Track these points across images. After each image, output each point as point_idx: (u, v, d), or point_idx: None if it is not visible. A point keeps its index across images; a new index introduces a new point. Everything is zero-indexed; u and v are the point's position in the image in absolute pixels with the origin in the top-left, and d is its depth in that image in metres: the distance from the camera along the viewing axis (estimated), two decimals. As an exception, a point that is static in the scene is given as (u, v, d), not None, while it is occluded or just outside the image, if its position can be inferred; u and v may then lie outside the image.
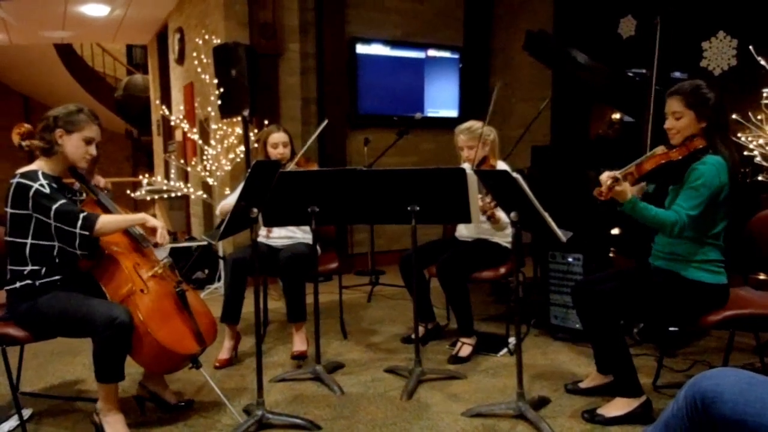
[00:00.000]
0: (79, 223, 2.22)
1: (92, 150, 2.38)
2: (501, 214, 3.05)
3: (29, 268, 2.27)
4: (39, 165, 2.33)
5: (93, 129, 2.36)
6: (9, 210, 2.24)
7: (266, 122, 4.48)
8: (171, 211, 7.16)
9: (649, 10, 5.13)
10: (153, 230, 2.45)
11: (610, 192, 2.28)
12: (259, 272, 3.27)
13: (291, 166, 3.36)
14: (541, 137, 5.71)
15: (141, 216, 2.45)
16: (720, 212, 2.33)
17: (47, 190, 2.22)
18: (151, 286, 2.35)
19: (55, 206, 2.21)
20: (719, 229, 2.35)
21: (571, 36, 5.64)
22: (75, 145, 2.33)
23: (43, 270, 2.27)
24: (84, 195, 2.50)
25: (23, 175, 2.24)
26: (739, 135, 3.50)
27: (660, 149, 2.39)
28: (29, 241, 2.26)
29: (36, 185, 2.21)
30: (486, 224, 3.15)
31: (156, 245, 2.47)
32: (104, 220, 2.28)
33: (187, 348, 2.33)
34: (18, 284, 2.27)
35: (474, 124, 3.29)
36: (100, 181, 2.61)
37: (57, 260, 2.29)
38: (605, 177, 2.30)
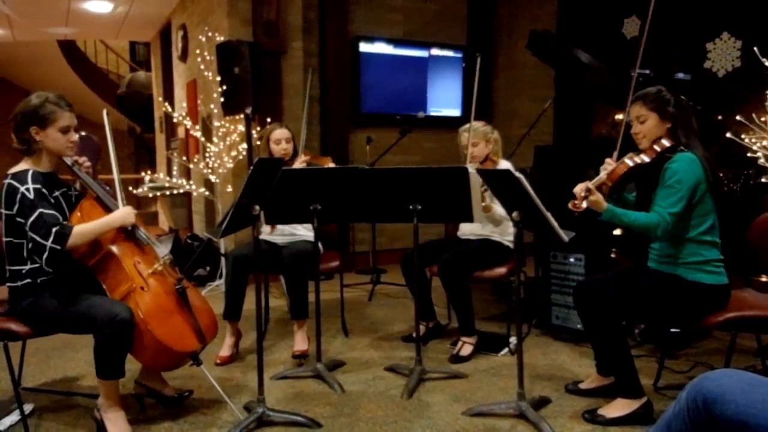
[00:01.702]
0: (51, 237, 2.14)
1: (72, 137, 2.32)
2: (495, 207, 3.07)
3: (28, 267, 2.26)
4: (29, 163, 2.30)
5: (66, 116, 2.28)
6: (3, 211, 2.22)
7: (269, 120, 4.49)
8: (173, 209, 7.17)
9: (654, 11, 5.13)
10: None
11: (585, 202, 2.29)
12: (261, 270, 3.27)
13: (300, 162, 3.37)
14: (543, 137, 5.71)
15: (114, 218, 2.31)
16: (702, 208, 2.33)
17: (31, 196, 2.17)
18: (152, 284, 2.34)
19: (34, 215, 2.15)
20: (708, 226, 2.35)
21: (574, 36, 5.63)
22: (53, 138, 2.27)
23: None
24: (79, 186, 2.48)
25: (13, 177, 2.22)
26: (743, 136, 3.50)
27: (629, 155, 2.42)
28: (26, 241, 2.24)
29: (22, 189, 2.18)
30: (486, 222, 3.17)
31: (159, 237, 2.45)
32: (77, 232, 2.18)
33: (188, 345, 2.33)
34: (19, 283, 2.27)
35: (476, 123, 3.33)
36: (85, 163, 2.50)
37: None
38: (578, 189, 2.31)
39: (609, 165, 2.42)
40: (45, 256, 2.17)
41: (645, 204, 2.41)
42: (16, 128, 2.27)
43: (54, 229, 2.15)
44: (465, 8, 6.14)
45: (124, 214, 2.35)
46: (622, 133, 2.47)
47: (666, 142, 2.37)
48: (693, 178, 2.28)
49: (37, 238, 2.16)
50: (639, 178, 2.46)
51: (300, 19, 5.23)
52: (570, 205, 2.31)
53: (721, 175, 2.73)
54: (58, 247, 2.15)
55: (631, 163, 2.37)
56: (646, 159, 2.37)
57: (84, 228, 2.23)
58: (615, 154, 2.44)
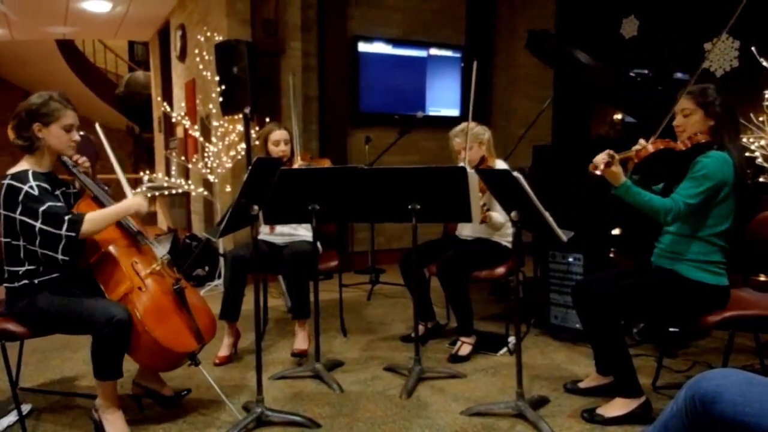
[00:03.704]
0: (65, 225, 2.15)
1: (74, 136, 2.32)
2: (494, 215, 3.07)
3: (25, 268, 2.25)
4: (28, 163, 2.29)
5: (69, 115, 2.29)
6: (2, 212, 2.21)
7: (267, 120, 4.49)
8: (172, 209, 7.17)
9: (652, 11, 5.14)
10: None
11: (605, 169, 2.28)
12: (260, 270, 3.27)
13: (298, 163, 3.37)
14: (542, 136, 5.71)
15: (128, 205, 2.32)
16: (720, 210, 2.33)
17: (36, 192, 2.17)
18: (149, 284, 2.34)
19: (42, 208, 2.15)
20: (721, 229, 2.35)
21: (573, 35, 5.64)
22: (56, 136, 2.27)
23: (41, 268, 2.26)
24: (77, 185, 2.48)
25: (13, 177, 2.21)
26: (740, 136, 3.50)
27: (664, 140, 2.40)
28: (22, 243, 2.23)
29: (26, 188, 2.17)
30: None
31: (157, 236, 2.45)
32: (90, 219, 2.20)
33: (186, 345, 2.32)
34: (16, 284, 2.26)
35: (466, 125, 3.27)
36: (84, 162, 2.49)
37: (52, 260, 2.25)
38: (601, 156, 2.31)
39: (640, 145, 2.39)
40: (62, 245, 2.16)
41: (669, 195, 2.40)
42: (19, 125, 2.26)
43: (66, 218, 2.16)
44: (464, 8, 6.14)
45: (137, 201, 2.36)
46: (666, 120, 2.42)
47: (704, 137, 2.35)
48: (720, 177, 2.27)
49: (51, 230, 2.15)
50: (669, 166, 2.43)
51: (299, 19, 5.23)
52: (590, 167, 2.31)
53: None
54: (73, 234, 2.16)
55: (662, 146, 2.35)
56: (681, 147, 2.36)
57: (96, 215, 2.24)
58: (653, 138, 2.39)
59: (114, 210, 2.31)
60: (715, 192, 2.28)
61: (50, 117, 2.25)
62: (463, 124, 3.29)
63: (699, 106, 2.37)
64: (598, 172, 2.30)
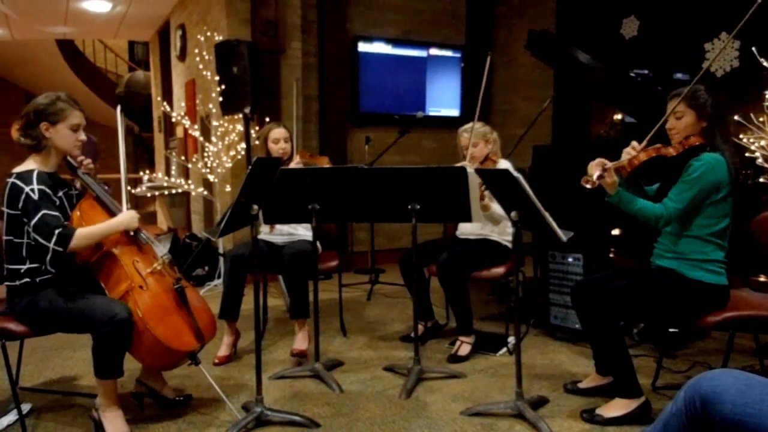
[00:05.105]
0: (54, 238, 2.15)
1: (81, 136, 2.34)
2: (494, 205, 3.08)
3: (26, 266, 2.26)
4: (34, 162, 2.30)
5: (76, 115, 2.31)
6: (5, 209, 2.22)
7: (267, 119, 4.49)
8: (171, 208, 7.17)
9: (653, 11, 5.14)
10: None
11: (598, 181, 2.30)
12: (260, 269, 3.27)
13: (296, 162, 3.37)
14: (542, 137, 5.71)
15: (118, 222, 2.34)
16: (717, 210, 2.33)
17: (36, 196, 2.18)
18: (150, 283, 2.34)
19: (35, 218, 2.16)
20: (719, 228, 2.35)
21: (573, 36, 5.64)
22: (63, 135, 2.29)
23: (42, 267, 2.26)
24: (79, 185, 2.48)
25: (18, 176, 2.22)
26: (741, 136, 3.50)
27: (656, 146, 2.41)
28: (25, 240, 2.24)
29: (27, 189, 2.18)
30: (485, 221, 3.18)
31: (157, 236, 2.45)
32: (80, 235, 2.20)
33: (186, 344, 2.33)
34: (17, 282, 2.27)
35: (476, 123, 3.31)
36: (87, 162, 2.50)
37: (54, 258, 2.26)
38: (593, 166, 2.31)
39: (633, 150, 2.39)
40: (48, 257, 2.20)
41: (663, 197, 2.41)
42: (26, 124, 2.28)
43: (57, 231, 2.16)
44: (464, 8, 6.14)
45: (128, 218, 2.36)
46: (660, 124, 2.43)
47: (696, 140, 2.36)
48: (713, 179, 2.27)
49: (41, 240, 2.17)
50: (663, 170, 2.45)
51: (299, 19, 5.23)
52: (582, 181, 2.32)
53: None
54: (61, 249, 2.17)
55: (654, 153, 2.36)
56: (672, 152, 2.37)
57: (87, 231, 2.25)
58: (645, 142, 2.40)
59: (104, 227, 2.31)
60: (707, 194, 2.29)
61: (58, 116, 2.27)
62: (472, 123, 3.33)
63: (691, 108, 2.38)
64: (589, 186, 2.30)
